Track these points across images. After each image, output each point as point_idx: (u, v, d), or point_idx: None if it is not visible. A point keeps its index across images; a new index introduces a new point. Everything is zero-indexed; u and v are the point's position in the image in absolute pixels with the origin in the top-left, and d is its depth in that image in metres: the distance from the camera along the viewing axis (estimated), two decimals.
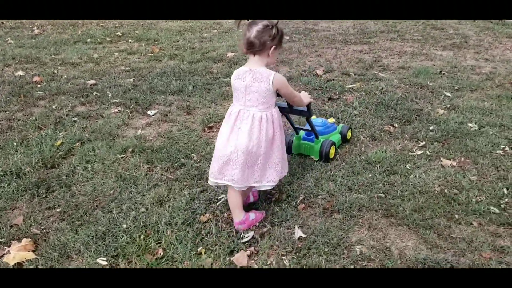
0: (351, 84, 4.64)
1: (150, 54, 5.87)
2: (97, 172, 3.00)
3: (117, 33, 7.10)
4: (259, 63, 2.33)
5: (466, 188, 2.74)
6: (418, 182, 2.81)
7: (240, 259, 2.22)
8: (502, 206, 2.56)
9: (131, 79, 4.79)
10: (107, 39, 6.77)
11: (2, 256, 2.25)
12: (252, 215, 2.50)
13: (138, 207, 2.63)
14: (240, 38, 2.36)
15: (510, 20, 7.65)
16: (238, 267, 2.19)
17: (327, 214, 2.55)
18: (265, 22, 2.27)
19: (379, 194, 2.70)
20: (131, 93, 4.35)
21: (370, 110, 3.94)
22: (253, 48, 2.28)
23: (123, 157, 3.18)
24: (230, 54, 5.78)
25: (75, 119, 3.78)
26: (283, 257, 2.24)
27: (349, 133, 3.40)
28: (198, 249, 2.29)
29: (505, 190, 2.70)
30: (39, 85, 4.60)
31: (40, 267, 2.19)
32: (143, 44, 6.44)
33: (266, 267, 2.18)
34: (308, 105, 2.72)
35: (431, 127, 3.56)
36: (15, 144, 3.34)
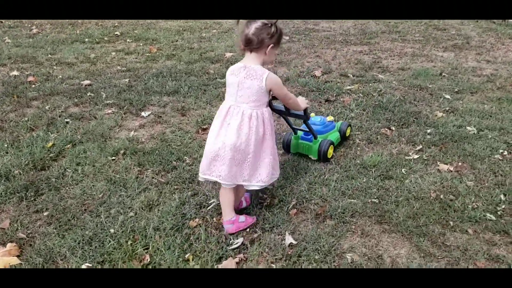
0: (349, 85, 4.58)
1: (147, 54, 5.82)
2: (87, 174, 2.95)
3: (115, 33, 7.06)
4: (255, 60, 2.31)
5: (463, 193, 2.68)
6: (414, 187, 2.75)
7: (228, 267, 2.17)
8: (499, 213, 2.49)
9: (127, 80, 4.75)
10: (105, 38, 6.73)
11: None
12: (242, 218, 2.46)
13: (126, 211, 2.58)
14: (238, 35, 2.32)
15: None
16: None
17: (319, 220, 2.50)
18: (264, 20, 2.26)
19: (373, 200, 2.64)
20: (125, 94, 4.30)
21: (367, 112, 3.88)
22: (250, 45, 2.26)
23: (114, 159, 3.14)
24: (228, 55, 5.72)
25: (68, 120, 3.74)
26: (272, 264, 2.19)
27: (348, 130, 3.37)
28: (186, 256, 2.24)
29: (502, 196, 2.64)
30: (33, 85, 4.56)
31: None
32: (141, 44, 6.39)
33: None
34: (305, 110, 2.71)
35: (428, 131, 3.50)
36: (6, 145, 3.29)
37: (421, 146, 3.26)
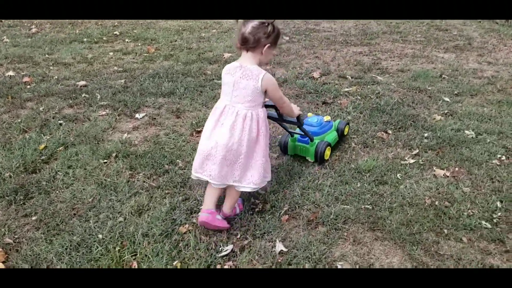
0: (347, 87, 4.52)
1: (145, 54, 5.78)
2: (78, 178, 2.92)
3: (114, 32, 7.02)
4: (251, 60, 2.29)
5: (458, 200, 2.62)
6: (408, 193, 2.70)
7: None
8: (495, 220, 2.44)
9: (123, 80, 4.70)
10: (104, 38, 6.70)
11: None
12: (219, 217, 2.41)
13: (116, 216, 2.54)
14: (236, 34, 2.30)
15: None
16: None
17: (311, 226, 2.45)
18: (262, 20, 2.24)
19: (366, 206, 2.59)
20: (120, 95, 4.26)
21: (364, 115, 3.82)
22: (246, 44, 2.25)
23: (106, 162, 3.10)
24: (226, 55, 5.68)
25: (61, 122, 3.70)
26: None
27: (346, 129, 3.35)
28: (174, 263, 2.21)
29: (498, 203, 2.58)
30: (28, 86, 4.53)
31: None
32: (139, 44, 6.35)
33: None
34: (298, 116, 2.71)
35: (426, 134, 3.44)
36: None
37: (417, 150, 3.21)
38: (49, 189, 2.81)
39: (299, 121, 2.77)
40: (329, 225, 2.45)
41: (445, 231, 2.37)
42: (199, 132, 3.53)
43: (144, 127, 3.66)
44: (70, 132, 3.52)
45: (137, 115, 3.85)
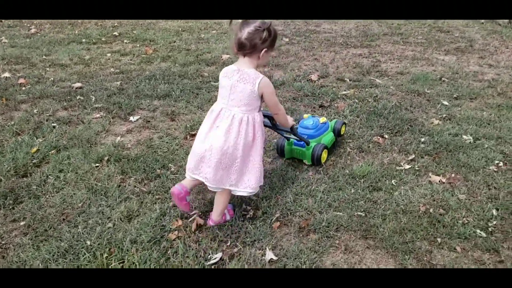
0: (345, 90, 4.47)
1: (142, 56, 5.74)
2: (68, 182, 2.88)
3: (114, 33, 6.99)
4: (249, 64, 2.28)
5: (453, 207, 2.57)
6: (403, 200, 2.65)
7: None
8: (490, 229, 2.39)
9: (118, 82, 4.67)
10: (103, 39, 6.67)
11: None
12: (188, 199, 2.49)
13: (105, 222, 2.51)
14: (232, 37, 2.27)
15: None
16: None
17: (303, 234, 2.41)
18: (258, 23, 2.21)
19: (359, 213, 2.55)
20: (115, 97, 4.23)
21: (361, 119, 3.77)
22: (243, 49, 2.24)
23: (97, 166, 3.07)
24: (224, 57, 5.64)
25: (55, 124, 3.67)
26: None
27: (343, 128, 3.33)
28: None
29: (494, 211, 2.53)
30: (23, 88, 4.50)
31: None
32: (137, 45, 6.32)
33: None
34: (292, 127, 2.73)
35: (423, 139, 3.39)
36: None
37: (413, 156, 3.16)
38: (39, 193, 2.77)
39: (292, 131, 2.79)
40: (321, 232, 2.40)
41: (439, 240, 2.32)
42: (193, 135, 3.49)
43: (137, 130, 3.63)
44: (63, 135, 3.49)
45: (131, 118, 3.82)
